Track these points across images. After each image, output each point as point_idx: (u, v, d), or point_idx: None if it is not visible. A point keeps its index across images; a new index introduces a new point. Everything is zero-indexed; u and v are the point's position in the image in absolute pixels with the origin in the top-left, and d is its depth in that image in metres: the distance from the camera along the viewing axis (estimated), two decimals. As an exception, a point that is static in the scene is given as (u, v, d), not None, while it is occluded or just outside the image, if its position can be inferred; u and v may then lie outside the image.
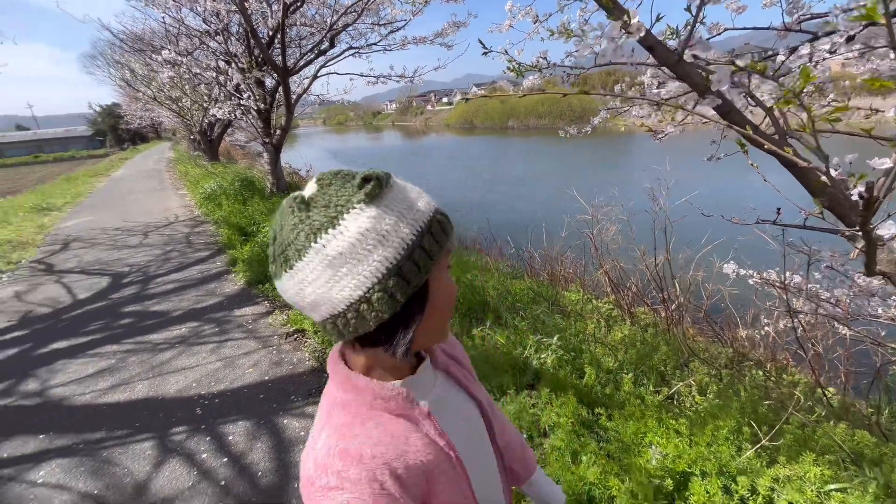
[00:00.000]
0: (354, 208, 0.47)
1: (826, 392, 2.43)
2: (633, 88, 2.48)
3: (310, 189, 0.51)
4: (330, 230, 0.47)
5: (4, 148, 50.95)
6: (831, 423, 1.93)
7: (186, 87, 11.51)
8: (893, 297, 1.69)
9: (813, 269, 2.27)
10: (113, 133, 49.65)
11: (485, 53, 1.93)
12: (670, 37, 1.50)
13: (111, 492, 1.95)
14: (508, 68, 2.01)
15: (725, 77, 1.09)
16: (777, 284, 3.03)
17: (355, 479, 0.47)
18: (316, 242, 0.47)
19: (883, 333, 2.26)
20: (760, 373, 2.77)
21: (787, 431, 1.82)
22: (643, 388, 2.27)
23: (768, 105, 1.23)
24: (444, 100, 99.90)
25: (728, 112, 1.20)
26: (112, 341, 3.36)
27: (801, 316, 2.69)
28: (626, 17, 1.08)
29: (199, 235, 6.43)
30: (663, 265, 3.76)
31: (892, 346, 2.21)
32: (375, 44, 7.17)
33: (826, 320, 2.68)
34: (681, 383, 2.37)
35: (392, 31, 6.95)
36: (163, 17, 7.76)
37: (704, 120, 1.81)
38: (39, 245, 6.78)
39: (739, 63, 1.17)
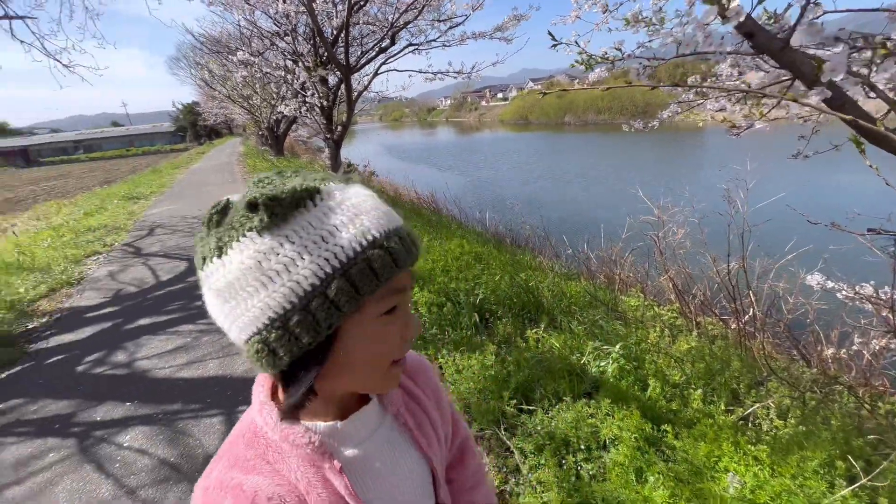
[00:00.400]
0: (245, 237, 0.39)
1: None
2: (708, 81, 2.29)
3: (237, 195, 0.44)
4: (216, 259, 0.41)
5: (103, 142, 57.33)
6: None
7: (257, 85, 12.28)
8: None
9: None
10: (192, 129, 54.20)
11: (554, 46, 1.86)
12: (767, 22, 1.35)
13: (185, 461, 2.11)
14: (577, 61, 1.91)
15: (841, 65, 0.95)
16: (874, 300, 2.68)
17: None
18: (202, 270, 0.42)
19: None
20: (852, 399, 2.47)
21: (890, 471, 1.60)
22: (713, 405, 2.09)
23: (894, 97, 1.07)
24: (500, 95, 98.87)
25: (841, 106, 1.06)
26: (188, 321, 3.65)
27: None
28: (722, 1, 0.97)
29: (264, 226, 6.85)
30: (737, 273, 3.46)
31: None
32: (434, 40, 7.20)
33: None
34: (757, 404, 2.17)
35: (451, 27, 6.94)
36: (238, 20, 8.32)
37: (799, 114, 1.62)
38: (129, 230, 7.53)
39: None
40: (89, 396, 2.73)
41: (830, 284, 2.89)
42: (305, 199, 0.40)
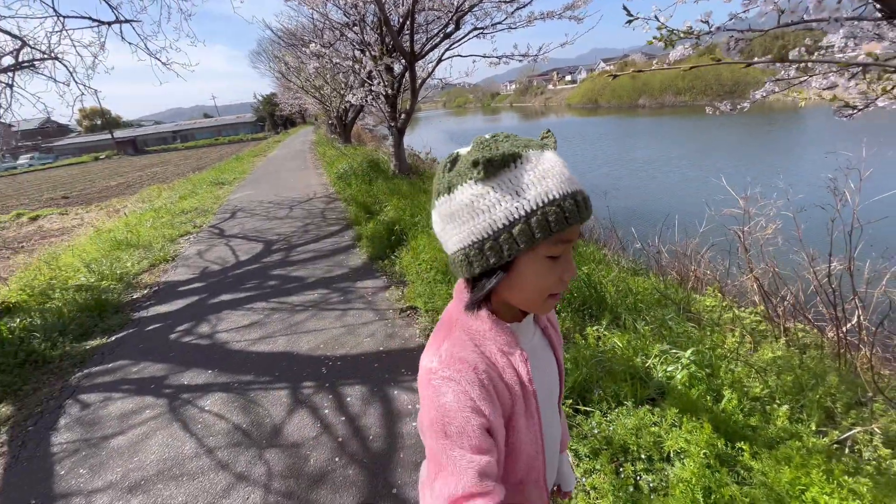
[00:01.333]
0: (466, 182, 0.55)
1: None
2: (815, 55, 1.99)
3: (465, 149, 0.60)
4: (446, 195, 0.58)
5: (195, 132, 63.37)
6: None
7: (328, 76, 12.79)
8: None
9: None
10: (270, 119, 58.09)
11: (629, 22, 1.70)
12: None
13: (255, 429, 2.30)
14: (656, 37, 1.74)
15: None
16: None
17: (468, 378, 0.57)
18: (438, 199, 0.60)
19: None
20: None
21: None
22: (802, 425, 1.86)
23: None
24: (568, 78, 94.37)
25: None
26: (262, 299, 3.95)
27: None
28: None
29: (332, 211, 7.18)
30: (840, 276, 3.02)
31: None
32: (500, 22, 7.00)
33: None
34: (858, 428, 1.89)
35: (519, 8, 6.69)
36: (311, 13, 8.68)
37: None
38: (215, 213, 8.29)
39: None
40: (179, 362, 3.06)
41: None
42: (510, 161, 0.54)
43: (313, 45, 7.95)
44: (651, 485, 1.51)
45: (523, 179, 0.54)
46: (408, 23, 6.18)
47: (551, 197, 0.53)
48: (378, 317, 3.39)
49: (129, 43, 5.88)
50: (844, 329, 2.89)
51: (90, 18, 5.33)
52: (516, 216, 0.53)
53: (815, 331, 3.18)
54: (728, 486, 1.34)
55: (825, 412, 2.04)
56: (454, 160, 0.58)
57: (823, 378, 2.24)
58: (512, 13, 6.72)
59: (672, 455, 1.58)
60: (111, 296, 4.31)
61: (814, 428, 1.89)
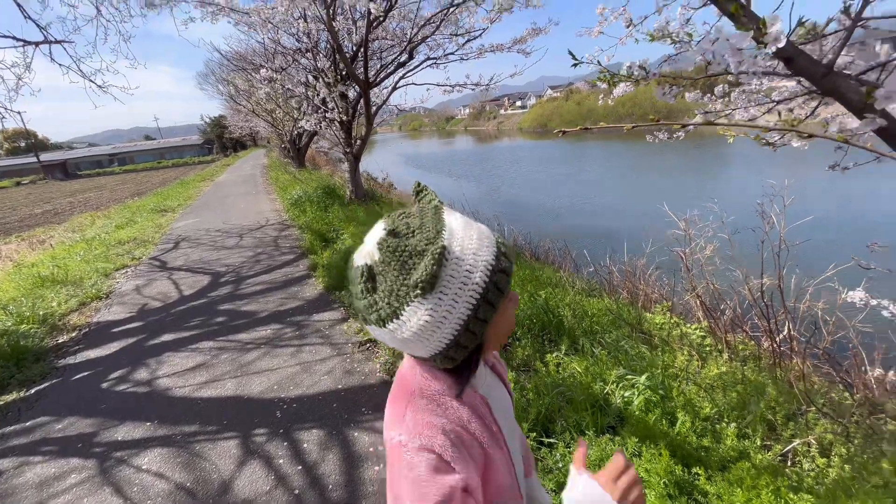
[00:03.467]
0: (412, 303, 0.55)
1: None
2: (736, 89, 2.19)
3: (373, 252, 0.58)
4: (395, 320, 0.57)
5: (135, 155, 59.79)
6: None
7: (280, 100, 12.59)
8: None
9: None
10: (219, 141, 56.02)
11: (574, 65, 1.80)
12: (806, 37, 1.26)
13: (200, 486, 2.10)
14: (599, 78, 1.86)
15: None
16: None
17: (440, 443, 0.58)
18: (385, 327, 0.58)
19: None
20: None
21: None
22: (748, 441, 1.96)
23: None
24: (518, 103, 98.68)
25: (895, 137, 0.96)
26: (208, 337, 3.70)
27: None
28: (760, 26, 0.90)
29: (285, 239, 6.93)
30: (770, 291, 3.29)
31: None
32: (452, 53, 7.23)
33: None
34: (797, 441, 2.02)
35: (469, 40, 6.95)
36: (263, 39, 8.56)
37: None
38: (156, 243, 7.76)
39: None
40: (112, 415, 2.77)
41: (874, 302, 2.71)
42: (441, 258, 0.54)
43: (264, 69, 7.82)
44: (616, 518, 1.52)
45: (460, 268, 0.56)
46: (361, 51, 6.23)
47: (490, 266, 0.57)
48: (336, 352, 3.26)
49: (60, 64, 5.50)
50: (777, 339, 3.14)
51: (14, 38, 4.94)
52: (473, 302, 0.56)
53: (752, 342, 3.42)
54: (688, 516, 1.37)
55: (767, 425, 2.16)
56: (369, 276, 0.57)
57: (763, 391, 2.38)
58: (463, 45, 6.96)
59: (634, 485, 1.60)
60: (31, 341, 3.87)
61: (759, 443, 1.99)
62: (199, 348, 3.52)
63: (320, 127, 7.57)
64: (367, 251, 0.59)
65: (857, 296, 2.76)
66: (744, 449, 1.86)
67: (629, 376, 2.21)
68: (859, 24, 0.89)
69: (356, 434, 2.36)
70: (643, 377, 2.12)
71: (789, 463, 1.99)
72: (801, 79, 1.13)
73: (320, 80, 6.92)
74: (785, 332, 3.19)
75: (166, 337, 3.81)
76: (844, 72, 0.96)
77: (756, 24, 0.91)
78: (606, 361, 2.47)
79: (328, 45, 7.49)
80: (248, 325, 3.86)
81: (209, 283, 5.19)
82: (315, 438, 2.35)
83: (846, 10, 0.86)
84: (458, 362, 0.61)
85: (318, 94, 6.93)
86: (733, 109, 2.20)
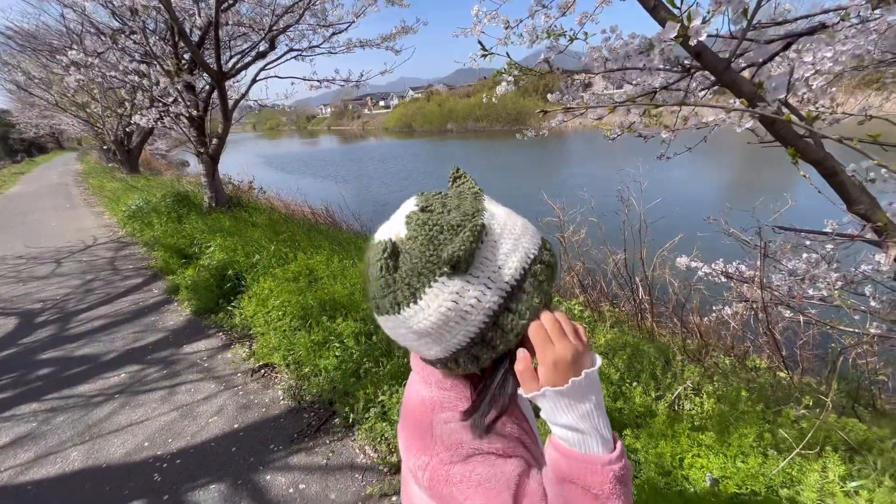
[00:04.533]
0: (436, 282, 0.47)
1: (790, 377, 2.57)
2: (588, 89, 2.47)
3: (399, 228, 0.51)
4: (412, 304, 0.48)
5: None
6: (819, 412, 2.00)
7: (96, 91, 10.24)
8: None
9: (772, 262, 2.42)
10: (3, 143, 43.41)
11: (484, 56, 1.80)
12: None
13: None
14: (501, 70, 1.90)
15: (783, 85, 1.03)
16: (727, 274, 3.21)
17: (485, 444, 0.51)
18: (400, 313, 0.49)
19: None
20: (727, 361, 2.88)
21: (783, 426, 1.85)
22: (648, 396, 2.24)
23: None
24: (382, 103, 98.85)
25: (772, 123, 1.15)
26: (30, 398, 2.78)
27: (754, 303, 2.87)
28: (685, 21, 0.98)
29: (126, 260, 5.67)
30: (632, 264, 3.89)
31: (838, 326, 2.36)
32: (318, 46, 6.79)
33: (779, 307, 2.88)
34: (680, 387, 2.38)
35: (336, 34, 6.61)
36: (62, 13, 6.82)
37: (701, 122, 1.76)
38: (-85, 282, 5.60)
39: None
40: None
41: (693, 265, 3.40)
42: (481, 233, 0.47)
43: (72, 52, 6.24)
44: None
45: (496, 251, 0.48)
46: (210, 35, 5.40)
47: (532, 255, 0.50)
48: (223, 386, 2.75)
49: None
50: (635, 303, 3.75)
51: None
52: (506, 292, 0.48)
53: (617, 308, 4.00)
54: (634, 478, 1.48)
55: (653, 377, 2.51)
56: (392, 252, 0.49)
57: (641, 349, 2.76)
58: (329, 37, 6.59)
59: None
60: None
61: (653, 396, 2.30)
62: (16, 415, 2.62)
63: (162, 123, 6.37)
64: (392, 227, 0.52)
65: (682, 261, 3.42)
66: (647, 404, 2.12)
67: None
68: (753, 27, 1.04)
69: (268, 477, 2.02)
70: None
71: (676, 407, 2.35)
72: (704, 72, 1.29)
73: (154, 66, 5.79)
74: (641, 296, 3.81)
75: (-45, 410, 2.74)
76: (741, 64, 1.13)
77: (679, 19, 0.99)
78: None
79: (162, 26, 6.33)
80: (91, 373, 3.02)
81: (17, 326, 3.93)
82: (215, 496, 1.94)
83: (744, 12, 0.99)
84: (484, 364, 0.52)
85: (156, 85, 5.81)
86: (588, 107, 2.48)
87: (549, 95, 2.11)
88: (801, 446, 1.49)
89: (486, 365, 0.52)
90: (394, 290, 0.48)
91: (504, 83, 1.88)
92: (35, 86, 11.39)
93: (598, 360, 0.49)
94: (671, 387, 2.44)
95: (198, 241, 5.15)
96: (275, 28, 5.89)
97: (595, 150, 20.75)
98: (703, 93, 1.50)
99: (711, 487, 1.38)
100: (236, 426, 2.38)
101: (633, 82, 1.77)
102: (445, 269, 0.46)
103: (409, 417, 0.58)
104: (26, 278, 5.29)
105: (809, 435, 1.52)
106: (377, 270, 0.49)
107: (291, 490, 1.94)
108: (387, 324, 0.52)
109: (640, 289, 3.82)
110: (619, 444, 0.49)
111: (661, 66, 1.34)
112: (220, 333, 3.43)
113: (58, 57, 7.31)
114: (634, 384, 2.24)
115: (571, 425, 0.47)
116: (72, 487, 2.06)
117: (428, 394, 0.58)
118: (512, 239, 0.50)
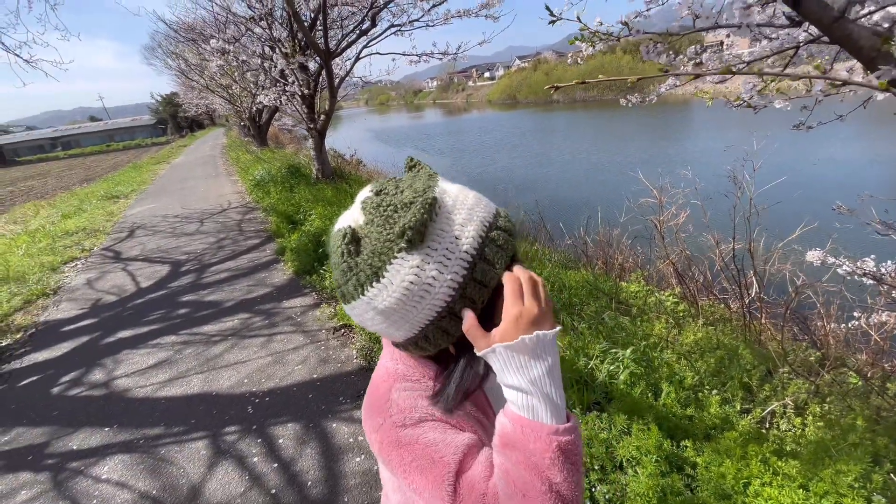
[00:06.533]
0: (396, 258, 0.48)
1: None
2: (707, 51, 2.11)
3: (356, 215, 0.52)
4: (375, 283, 0.48)
5: (81, 138, 55.64)
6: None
7: (235, 74, 11.77)
8: None
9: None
10: (173, 121, 52.74)
11: (552, 22, 1.65)
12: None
13: (167, 493, 1.96)
14: (578, 38, 1.71)
15: (919, 37, 0.77)
16: (875, 275, 2.56)
17: (439, 412, 0.52)
18: (364, 294, 0.50)
19: None
20: (859, 381, 2.36)
21: None
22: (729, 406, 1.97)
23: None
24: (486, 74, 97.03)
25: (908, 86, 0.88)
26: (170, 332, 3.47)
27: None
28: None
29: (249, 223, 6.59)
30: (742, 255, 3.34)
31: None
32: (417, 20, 6.85)
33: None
34: (775, 403, 2.05)
35: (434, 5, 6.60)
36: (212, 5, 7.87)
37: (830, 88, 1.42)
38: (109, 232, 7.24)
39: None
40: (65, 422, 2.55)
41: (831, 260, 2.77)
42: (432, 209, 0.47)
43: (214, 40, 7.23)
44: (607, 497, 1.48)
45: (450, 223, 0.49)
46: (320, 18, 5.80)
47: (487, 222, 0.51)
48: (309, 339, 3.11)
49: (-26, 36, 4.88)
50: (746, 301, 3.21)
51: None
52: (468, 262, 0.48)
53: (723, 306, 3.50)
54: (681, 495, 1.34)
55: (744, 388, 2.19)
56: (352, 238, 0.50)
57: (737, 353, 2.41)
58: (429, 10, 6.60)
59: (624, 463, 1.57)
60: (-31, 346, 3.53)
61: (738, 408, 2.01)
62: (160, 344, 3.29)
63: (280, 102, 7.12)
64: (350, 214, 0.54)
65: (815, 255, 2.82)
66: (726, 416, 1.87)
67: (612, 350, 2.17)
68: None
69: (334, 425, 2.25)
70: (628, 351, 2.09)
71: (767, 425, 2.03)
72: (807, 26, 1.03)
73: (277, 50, 6.44)
74: (753, 294, 3.27)
75: (123, 333, 3.54)
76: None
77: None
78: (588, 335, 2.43)
79: (284, 12, 6.96)
80: (214, 317, 3.64)
81: (169, 272, 4.87)
82: (291, 433, 2.23)
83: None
84: (455, 336, 0.51)
85: (275, 67, 6.48)
86: (706, 72, 2.12)
87: (660, 58, 1.87)
88: (917, 499, 1.19)
89: (456, 338, 0.52)
90: (356, 273, 0.49)
91: (599, 44, 1.70)
92: (192, 71, 13.49)
93: (557, 328, 0.48)
94: (766, 401, 2.11)
95: (304, 209, 5.75)
96: (376, 4, 6.09)
97: (714, 120, 17.88)
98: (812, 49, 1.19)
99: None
100: (315, 376, 2.69)
101: (771, 37, 1.46)
102: (402, 244, 0.46)
103: (371, 387, 0.59)
104: (179, 234, 6.49)
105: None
106: (338, 257, 0.50)
107: (351, 440, 2.14)
108: (354, 311, 0.53)
109: (756, 284, 3.29)
110: (572, 417, 0.48)
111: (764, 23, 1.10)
112: (313, 293, 3.84)
113: (206, 46, 8.53)
114: (714, 392, 1.99)
115: (521, 387, 0.46)
116: (190, 406, 2.55)
117: (393, 366, 0.59)
118: (465, 209, 0.50)
